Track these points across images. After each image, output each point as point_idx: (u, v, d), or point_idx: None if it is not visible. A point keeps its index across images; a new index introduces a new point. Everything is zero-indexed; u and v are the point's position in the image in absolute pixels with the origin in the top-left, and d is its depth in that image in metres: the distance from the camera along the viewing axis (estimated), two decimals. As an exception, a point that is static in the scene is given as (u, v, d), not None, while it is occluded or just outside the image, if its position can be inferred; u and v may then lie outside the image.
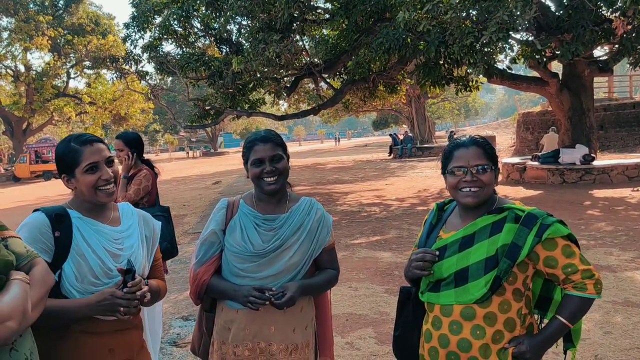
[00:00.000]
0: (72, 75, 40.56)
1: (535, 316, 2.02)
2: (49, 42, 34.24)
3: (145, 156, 4.29)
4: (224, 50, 16.09)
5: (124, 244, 2.10)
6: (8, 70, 37.90)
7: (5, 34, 36.00)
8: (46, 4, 36.81)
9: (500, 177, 12.41)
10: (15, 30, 33.74)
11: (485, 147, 1.96)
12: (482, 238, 1.89)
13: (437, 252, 1.93)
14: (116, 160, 2.25)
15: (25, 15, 33.93)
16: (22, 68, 37.64)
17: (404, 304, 2.20)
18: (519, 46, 12.71)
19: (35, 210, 2.02)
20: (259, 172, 2.18)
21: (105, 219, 2.11)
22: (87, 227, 2.03)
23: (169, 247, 3.86)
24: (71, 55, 37.93)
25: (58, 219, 1.97)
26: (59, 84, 39.20)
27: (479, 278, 1.84)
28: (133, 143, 4.10)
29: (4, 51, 36.25)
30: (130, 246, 2.11)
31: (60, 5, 37.84)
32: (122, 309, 1.88)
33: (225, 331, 2.21)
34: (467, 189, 1.92)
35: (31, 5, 36.01)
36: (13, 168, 36.28)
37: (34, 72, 37.55)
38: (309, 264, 2.24)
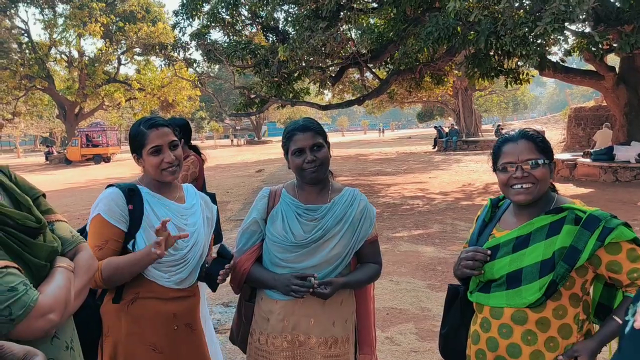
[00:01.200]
0: (123, 62, 41.52)
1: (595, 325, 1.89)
2: (102, 28, 35.06)
3: (192, 143, 4.29)
4: (271, 39, 16.10)
5: (189, 220, 2.25)
6: (62, 55, 39.11)
7: (60, 20, 37.09)
8: (99, -9, 37.77)
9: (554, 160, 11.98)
10: (70, 17, 34.71)
11: (537, 140, 1.83)
12: (538, 239, 1.77)
13: (489, 252, 1.83)
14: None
15: (79, 2, 34.84)
16: (75, 54, 38.76)
17: (451, 302, 2.10)
18: (575, 38, 12.22)
19: (109, 186, 2.19)
20: (300, 162, 2.13)
21: (172, 196, 2.27)
22: (156, 201, 2.19)
23: (214, 234, 3.89)
24: (122, 41, 38.78)
25: (131, 193, 2.15)
26: (110, 70, 40.15)
27: (533, 281, 1.73)
28: (180, 129, 4.10)
29: (59, 37, 37.38)
30: (194, 223, 2.26)
31: (113, -7, 38.76)
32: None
33: (264, 321, 2.18)
34: (519, 186, 1.80)
35: (85, -7, 37.01)
36: (65, 151, 37.51)
37: (87, 58, 38.60)
38: (350, 256, 2.19)
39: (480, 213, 2.07)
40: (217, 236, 3.96)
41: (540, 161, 1.80)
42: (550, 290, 1.71)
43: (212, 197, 4.06)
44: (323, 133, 2.20)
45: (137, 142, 2.20)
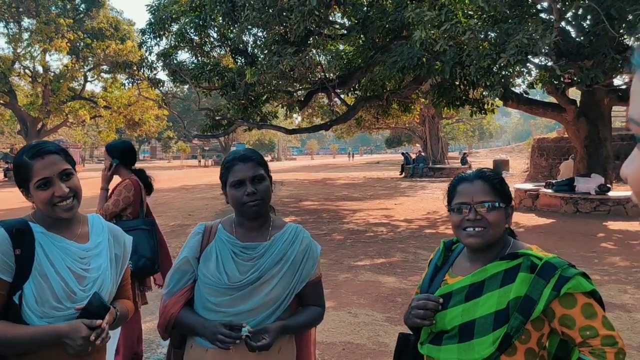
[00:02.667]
0: (89, 79, 40.84)
1: None
2: (68, 44, 34.45)
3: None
4: (239, 61, 16.03)
5: (91, 264, 1.92)
6: (26, 70, 38.23)
7: (25, 35, 36.31)
8: (67, 7, 37.12)
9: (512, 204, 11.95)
10: (36, 32, 34.01)
11: (493, 181, 1.72)
12: (492, 287, 1.64)
13: (441, 300, 1.69)
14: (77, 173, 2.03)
15: (46, 17, 34.21)
16: (40, 69, 37.95)
17: (401, 353, 1.93)
18: (537, 71, 12.49)
19: None
20: (239, 195, 1.94)
21: (72, 234, 1.93)
22: (50, 243, 1.85)
23: (148, 264, 3.64)
24: (89, 58, 38.16)
25: (19, 234, 1.80)
26: (76, 87, 39.44)
27: (486, 334, 1.59)
28: (115, 152, 3.87)
29: (23, 52, 36.56)
30: (98, 267, 1.93)
31: (81, 9, 38.18)
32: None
33: None
34: (471, 229, 1.68)
35: (53, 8, 36.31)
36: (25, 168, 36.41)
37: (52, 74, 37.81)
38: (290, 298, 1.99)
39: (433, 256, 1.93)
40: (154, 266, 3.73)
41: (496, 204, 1.68)
42: (505, 344, 1.57)
43: (150, 224, 3.81)
44: (265, 165, 2.03)
45: (21, 175, 1.86)
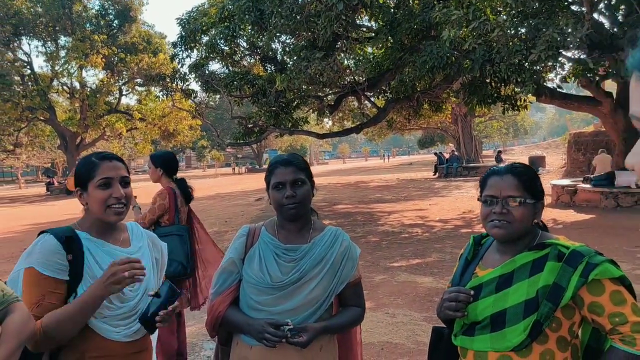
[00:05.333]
0: (124, 92, 41.86)
1: None
2: (103, 60, 35.42)
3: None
4: (269, 69, 16.24)
5: None
6: (64, 87, 39.48)
7: (62, 53, 37.49)
8: (101, 23, 38.17)
9: (549, 200, 11.54)
10: (72, 49, 35.07)
11: (522, 177, 1.75)
12: (521, 277, 1.69)
13: (472, 292, 1.74)
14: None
15: (81, 34, 35.25)
16: (77, 85, 39.12)
17: (435, 346, 2.00)
18: (570, 64, 12.28)
19: (41, 233, 1.95)
20: (280, 197, 2.04)
21: (115, 240, 2.05)
22: (97, 248, 1.97)
23: (179, 269, 3.81)
24: (123, 72, 39.15)
25: (68, 241, 1.91)
26: (112, 101, 40.48)
27: (517, 323, 1.63)
28: (158, 161, 4.13)
29: (61, 69, 37.76)
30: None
31: (114, 25, 39.19)
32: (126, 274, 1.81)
33: None
34: (496, 221, 1.73)
35: (87, 25, 37.40)
36: (66, 181, 37.51)
37: (89, 89, 38.93)
38: (330, 299, 2.07)
39: (464, 251, 1.98)
40: (186, 270, 3.90)
41: (523, 200, 1.72)
42: (535, 331, 1.62)
43: (185, 230, 3.96)
44: (306, 169, 2.12)
45: (84, 174, 1.95)
